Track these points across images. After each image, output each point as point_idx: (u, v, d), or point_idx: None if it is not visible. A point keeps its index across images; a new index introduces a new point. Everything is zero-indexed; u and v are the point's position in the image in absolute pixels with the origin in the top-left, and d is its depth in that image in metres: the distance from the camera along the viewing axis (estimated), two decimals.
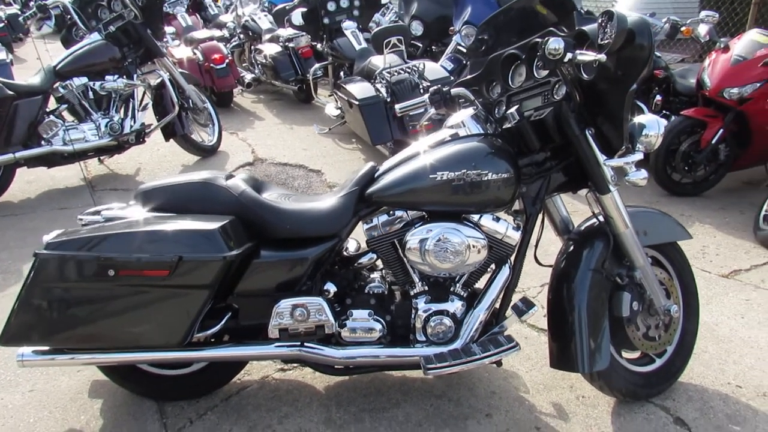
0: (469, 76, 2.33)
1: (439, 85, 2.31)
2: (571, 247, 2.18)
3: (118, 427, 2.13)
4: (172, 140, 5.01)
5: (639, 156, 1.99)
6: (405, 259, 2.06)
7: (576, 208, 2.10)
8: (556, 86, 2.00)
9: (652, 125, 1.98)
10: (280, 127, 6.34)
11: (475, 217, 2.05)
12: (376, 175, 2.12)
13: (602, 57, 1.71)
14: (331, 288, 2.12)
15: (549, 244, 2.34)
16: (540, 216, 2.20)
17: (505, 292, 2.13)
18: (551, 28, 1.98)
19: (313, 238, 2.04)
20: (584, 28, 1.86)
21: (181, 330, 1.90)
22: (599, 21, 1.80)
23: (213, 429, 2.12)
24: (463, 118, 2.12)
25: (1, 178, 4.21)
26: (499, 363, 2.16)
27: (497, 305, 2.15)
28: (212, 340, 2.12)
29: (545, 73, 2.01)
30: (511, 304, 2.18)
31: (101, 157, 4.93)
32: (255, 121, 6.60)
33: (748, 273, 3.31)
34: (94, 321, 1.88)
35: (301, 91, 7.06)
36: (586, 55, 1.75)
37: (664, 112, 4.75)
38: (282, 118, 6.68)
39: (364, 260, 2.17)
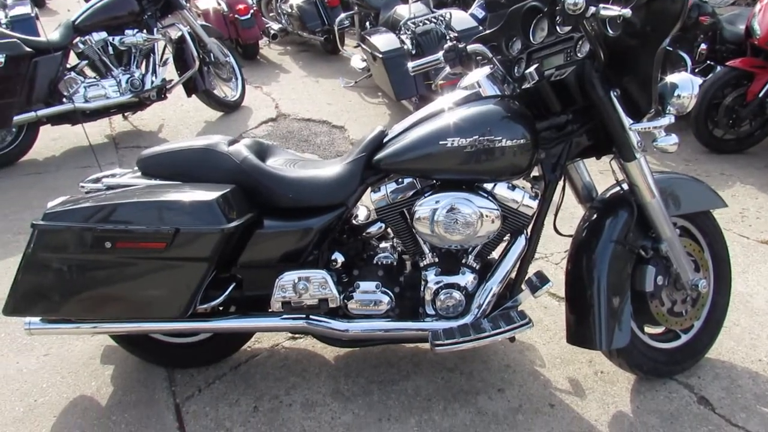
0: (487, 31, 2.16)
1: (455, 42, 2.15)
2: (594, 217, 2.05)
3: (128, 395, 2.14)
4: (194, 96, 4.94)
5: (669, 119, 1.82)
6: (414, 229, 1.96)
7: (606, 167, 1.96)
8: (579, 43, 1.83)
9: (685, 85, 1.81)
10: (306, 80, 6.20)
11: (489, 186, 1.93)
12: (384, 140, 2.00)
13: (627, 12, 1.53)
14: (338, 258, 2.05)
15: (566, 213, 2.20)
16: (561, 182, 2.06)
17: (520, 263, 2.02)
18: None
19: (318, 207, 1.95)
20: None
21: (182, 302, 1.86)
22: None
23: (220, 398, 2.11)
24: (478, 78, 1.97)
25: (24, 136, 4.23)
26: (512, 338, 2.07)
27: (512, 277, 2.04)
28: (221, 308, 2.08)
29: (568, 28, 1.85)
30: (528, 276, 2.07)
31: (125, 114, 4.90)
32: (280, 74, 6.47)
33: None
34: (95, 292, 1.85)
35: (328, 41, 6.86)
36: (610, 10, 1.57)
37: (708, 62, 4.44)
38: (308, 71, 6.53)
39: (372, 229, 2.07)
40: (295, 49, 7.56)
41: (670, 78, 1.85)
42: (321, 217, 1.95)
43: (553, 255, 2.95)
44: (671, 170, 3.84)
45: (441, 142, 1.84)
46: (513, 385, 2.14)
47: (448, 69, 2.21)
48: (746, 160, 4.07)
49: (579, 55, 1.82)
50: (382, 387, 2.14)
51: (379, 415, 2.02)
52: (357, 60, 5.72)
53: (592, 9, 1.60)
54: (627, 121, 1.82)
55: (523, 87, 1.94)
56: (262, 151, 2.12)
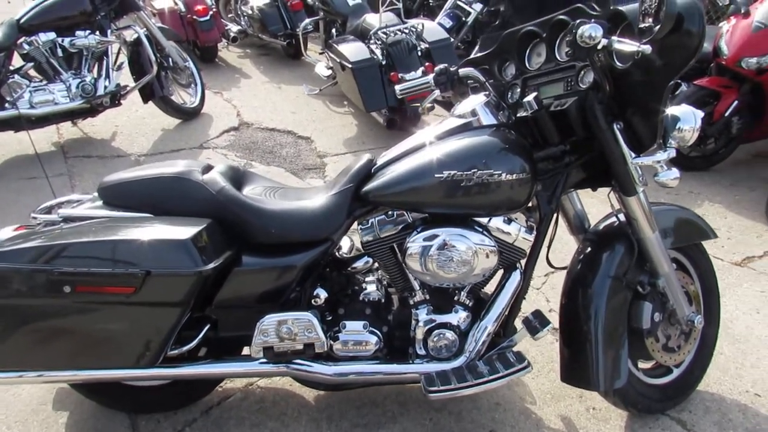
0: (479, 54, 2.06)
1: (445, 65, 2.02)
2: (588, 249, 1.97)
3: None
4: (150, 102, 4.68)
5: (670, 153, 1.76)
6: (405, 265, 1.83)
7: None
8: (582, 72, 1.74)
9: (687, 118, 1.75)
10: (268, 86, 5.98)
11: (484, 220, 1.82)
12: (373, 170, 1.87)
13: (646, 49, 1.44)
14: (321, 294, 1.90)
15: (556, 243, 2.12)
16: (555, 214, 1.98)
17: (515, 300, 1.92)
18: (579, 5, 1.70)
19: (301, 242, 1.80)
20: (621, 8, 1.59)
21: (152, 350, 1.68)
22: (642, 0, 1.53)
23: None
24: (474, 106, 1.86)
25: None
26: None
27: (506, 313, 1.94)
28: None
29: (567, 57, 1.76)
30: (521, 313, 1.98)
31: (74, 120, 4.57)
32: (241, 78, 6.23)
33: (762, 260, 3.13)
34: (51, 341, 1.65)
35: (290, 46, 6.65)
36: (626, 45, 1.48)
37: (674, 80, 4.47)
38: (270, 76, 6.31)
39: (359, 264, 1.94)
40: (255, 53, 7.31)
41: (672, 110, 1.78)
42: (305, 253, 1.80)
43: (533, 280, 2.86)
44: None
45: (436, 175, 1.72)
46: (505, 425, 2.04)
47: (437, 92, 2.09)
48: (712, 177, 4.11)
49: (581, 85, 1.73)
50: (367, 431, 2.00)
51: None
52: (322, 67, 5.54)
53: (605, 42, 1.51)
54: (629, 154, 1.74)
55: (518, 115, 1.85)
56: (237, 179, 1.96)
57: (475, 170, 1.71)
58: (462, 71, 2.01)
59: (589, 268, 1.92)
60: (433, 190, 1.74)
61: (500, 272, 1.92)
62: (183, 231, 1.62)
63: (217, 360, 1.86)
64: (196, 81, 5.03)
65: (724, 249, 3.23)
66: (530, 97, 1.77)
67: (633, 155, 1.75)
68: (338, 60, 4.48)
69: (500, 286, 1.90)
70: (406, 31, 4.30)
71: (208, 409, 2.08)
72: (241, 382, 2.20)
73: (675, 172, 1.78)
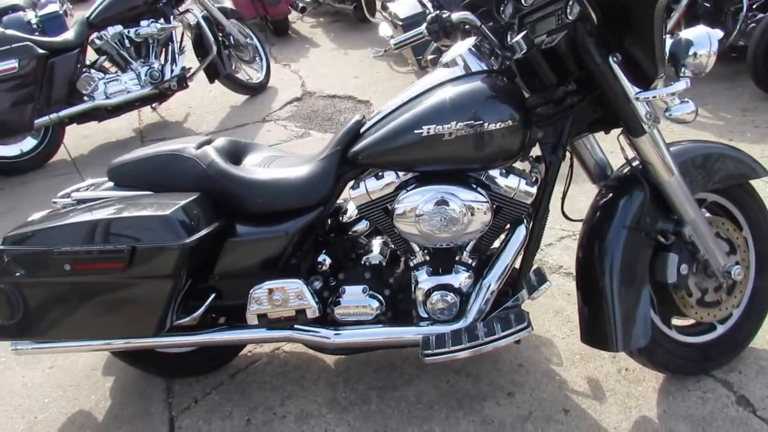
0: None
1: (437, 12, 1.91)
2: (605, 198, 1.79)
3: (125, 408, 2.09)
4: (218, 81, 4.85)
5: (685, 84, 1.54)
6: (396, 228, 1.78)
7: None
8: (570, 3, 1.57)
9: (701, 41, 1.54)
10: (335, 53, 6.00)
11: (480, 174, 1.72)
12: (362, 131, 1.82)
13: None
14: (326, 260, 1.90)
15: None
16: (569, 162, 1.83)
17: (524, 256, 1.81)
18: None
19: (291, 210, 1.80)
20: None
21: (153, 320, 1.75)
22: None
23: (214, 411, 2.03)
24: (460, 52, 1.74)
25: (50, 138, 4.26)
26: (517, 341, 1.87)
27: (516, 268, 1.83)
28: (212, 316, 1.99)
29: None
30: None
31: (153, 105, 4.84)
32: (310, 48, 6.29)
33: None
34: (65, 315, 1.77)
35: (357, 10, 6.61)
36: None
37: None
38: (338, 43, 6.32)
39: (359, 227, 1.91)
40: (328, 20, 7.34)
41: (685, 34, 1.58)
42: (296, 221, 1.80)
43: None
44: (688, 137, 3.45)
45: (416, 131, 1.64)
46: (524, 388, 1.95)
47: (434, 43, 1.98)
48: None
49: (570, 17, 1.57)
50: (382, 394, 2.00)
51: (375, 427, 1.89)
52: (385, 28, 5.42)
53: None
54: (632, 90, 1.56)
55: (514, 58, 1.70)
56: (238, 152, 1.99)
57: (457, 122, 1.61)
58: (455, 16, 1.87)
59: (604, 218, 1.76)
60: (417, 146, 1.66)
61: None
62: (166, 206, 1.67)
63: (227, 328, 1.92)
64: (261, 56, 5.15)
65: None
66: (519, 37, 1.63)
67: (637, 90, 1.56)
68: (391, 19, 4.38)
69: (504, 243, 1.79)
70: None
71: (235, 373, 2.17)
72: (268, 347, 2.27)
73: (690, 105, 1.57)
